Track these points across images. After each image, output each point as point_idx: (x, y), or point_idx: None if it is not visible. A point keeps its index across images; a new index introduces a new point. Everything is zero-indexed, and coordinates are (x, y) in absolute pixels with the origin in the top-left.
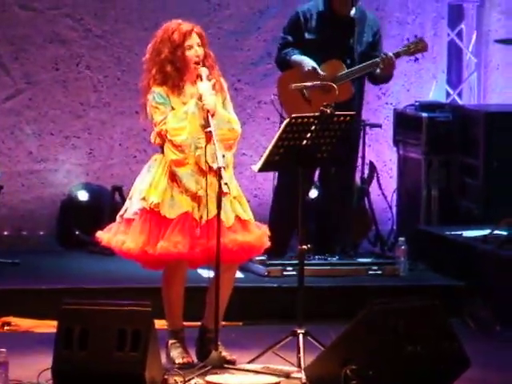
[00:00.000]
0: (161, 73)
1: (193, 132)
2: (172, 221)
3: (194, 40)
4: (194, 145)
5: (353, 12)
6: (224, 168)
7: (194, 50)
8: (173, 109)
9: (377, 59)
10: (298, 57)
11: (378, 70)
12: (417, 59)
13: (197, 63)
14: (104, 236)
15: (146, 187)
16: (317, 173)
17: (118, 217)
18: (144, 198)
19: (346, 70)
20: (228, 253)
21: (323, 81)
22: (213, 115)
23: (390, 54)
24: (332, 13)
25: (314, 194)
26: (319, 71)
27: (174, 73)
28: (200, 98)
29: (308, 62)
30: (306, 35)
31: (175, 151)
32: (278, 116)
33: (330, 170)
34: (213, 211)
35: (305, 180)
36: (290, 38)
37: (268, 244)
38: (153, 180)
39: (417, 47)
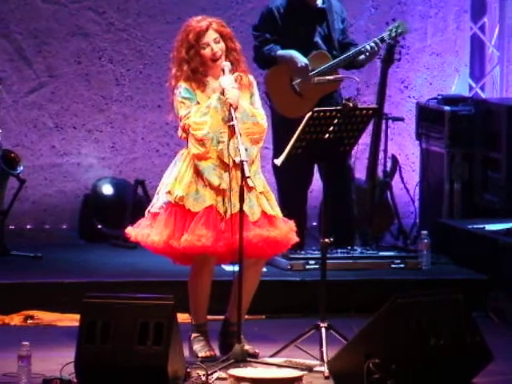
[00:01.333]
0: (180, 71)
1: (215, 126)
2: (196, 214)
3: (210, 37)
4: (216, 139)
5: (320, 1)
6: (247, 162)
7: (210, 47)
8: (198, 103)
9: (365, 46)
10: (285, 52)
11: (362, 57)
12: (402, 47)
13: (214, 60)
14: (132, 232)
15: (172, 181)
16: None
17: (146, 212)
18: (169, 192)
19: (333, 61)
20: (253, 247)
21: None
22: (235, 109)
23: (377, 40)
24: (303, 5)
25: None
26: (309, 68)
27: (191, 72)
28: (222, 92)
29: (300, 57)
30: (283, 30)
31: (197, 145)
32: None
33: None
34: (237, 205)
35: (304, 175)
36: (267, 35)
37: (295, 239)
38: (178, 174)
39: (398, 30)
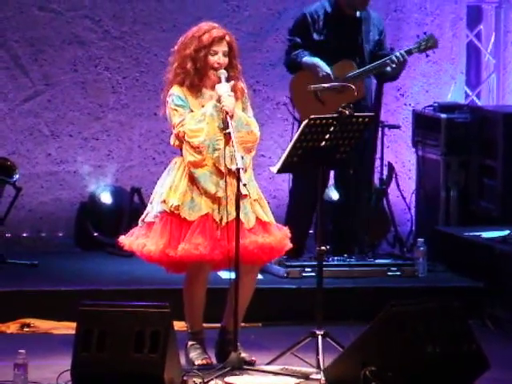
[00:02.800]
0: (181, 68)
1: (211, 134)
2: (192, 223)
3: (222, 47)
4: (212, 146)
5: (358, 12)
6: (243, 169)
7: (218, 56)
8: (191, 111)
9: (391, 57)
10: (309, 59)
11: (389, 69)
12: (427, 55)
13: (215, 69)
14: (126, 240)
15: (166, 190)
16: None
17: (139, 221)
18: (164, 201)
19: (358, 70)
20: (248, 254)
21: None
22: (231, 117)
23: (403, 52)
24: (339, 13)
25: (335, 195)
26: (332, 77)
27: (193, 72)
28: (218, 100)
29: (323, 66)
30: (315, 36)
31: (193, 153)
32: (292, 118)
33: (348, 171)
34: (233, 213)
35: (322, 181)
36: (298, 39)
37: (289, 246)
38: (173, 183)
39: (427, 44)
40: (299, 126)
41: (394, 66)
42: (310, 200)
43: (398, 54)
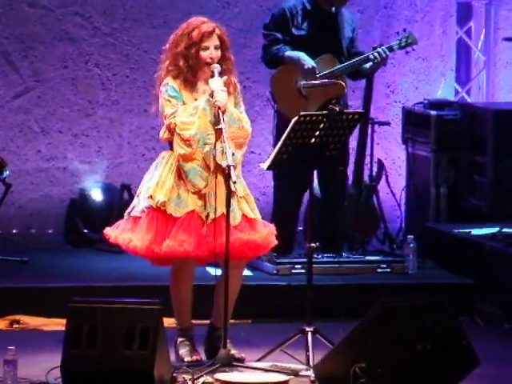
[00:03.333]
0: (174, 66)
1: (202, 128)
2: (178, 219)
3: (213, 42)
4: (202, 140)
5: (333, 8)
6: (233, 166)
7: (210, 51)
8: (184, 104)
9: (373, 53)
10: (292, 53)
11: (367, 66)
12: (407, 52)
13: (208, 64)
14: (112, 233)
15: (153, 185)
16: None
17: (125, 214)
18: (151, 197)
19: (339, 65)
20: (234, 251)
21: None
22: (224, 112)
23: (385, 48)
24: (316, 8)
25: (318, 193)
26: (317, 71)
27: (186, 69)
28: (211, 95)
29: (308, 60)
30: (294, 31)
31: (183, 145)
32: (273, 112)
33: (336, 168)
34: (219, 210)
35: (303, 178)
36: (277, 34)
37: (275, 242)
38: (160, 178)
39: (407, 40)
40: (279, 119)
41: (375, 61)
42: (292, 199)
43: (379, 50)
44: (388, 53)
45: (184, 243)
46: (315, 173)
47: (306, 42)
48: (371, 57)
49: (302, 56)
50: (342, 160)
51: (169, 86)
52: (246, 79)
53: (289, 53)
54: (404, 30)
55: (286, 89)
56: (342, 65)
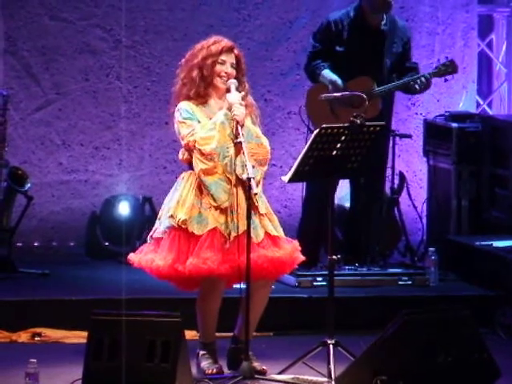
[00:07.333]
0: (187, 78)
1: (222, 141)
2: (200, 237)
3: (230, 59)
4: (222, 154)
5: (383, 22)
6: (254, 179)
7: (226, 66)
8: (199, 122)
9: (416, 79)
10: (328, 74)
11: (416, 87)
12: (446, 80)
13: (221, 78)
14: (135, 258)
15: (174, 205)
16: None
17: (148, 238)
18: (172, 216)
19: (381, 87)
20: (258, 268)
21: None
22: (242, 126)
23: (427, 75)
24: (363, 24)
25: (348, 204)
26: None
27: (199, 80)
28: (229, 109)
29: (339, 86)
30: (337, 47)
31: (204, 160)
32: (306, 127)
33: (359, 180)
34: (241, 227)
35: (332, 190)
36: (320, 46)
37: (301, 259)
38: (180, 197)
39: (447, 70)
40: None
41: (417, 88)
42: (323, 209)
43: (422, 78)
44: (430, 80)
45: (208, 260)
46: (347, 184)
47: (346, 60)
48: (412, 83)
49: (336, 81)
50: (378, 172)
51: (182, 109)
52: (267, 92)
53: (325, 73)
54: (446, 57)
55: (318, 105)
56: (380, 88)
